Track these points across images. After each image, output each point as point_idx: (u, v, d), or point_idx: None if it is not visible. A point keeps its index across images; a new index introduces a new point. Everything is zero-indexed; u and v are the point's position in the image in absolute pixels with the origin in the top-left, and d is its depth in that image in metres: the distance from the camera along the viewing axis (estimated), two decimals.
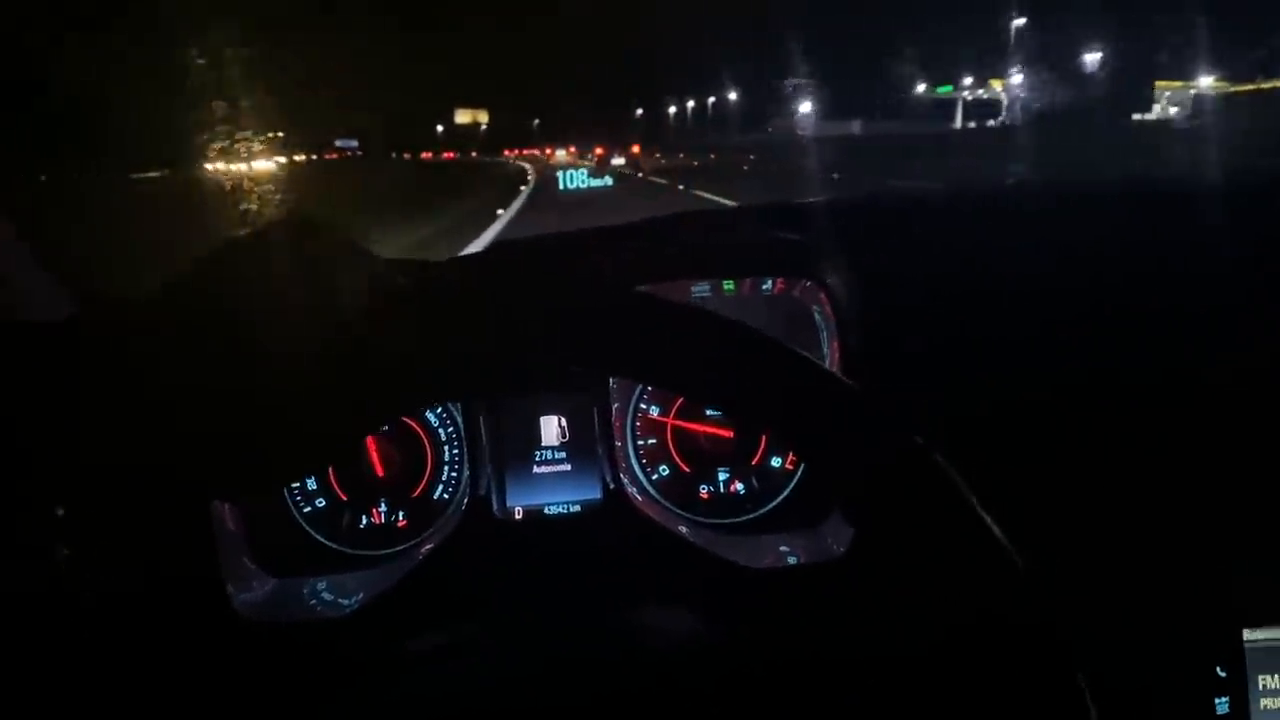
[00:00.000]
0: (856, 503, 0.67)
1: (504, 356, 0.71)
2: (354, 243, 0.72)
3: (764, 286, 1.12)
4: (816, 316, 1.10)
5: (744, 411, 0.70)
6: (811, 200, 1.26)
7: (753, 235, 1.18)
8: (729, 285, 1.12)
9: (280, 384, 0.69)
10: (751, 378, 0.64)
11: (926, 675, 0.68)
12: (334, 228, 0.72)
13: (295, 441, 0.73)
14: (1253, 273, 0.99)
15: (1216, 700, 0.81)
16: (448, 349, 0.69)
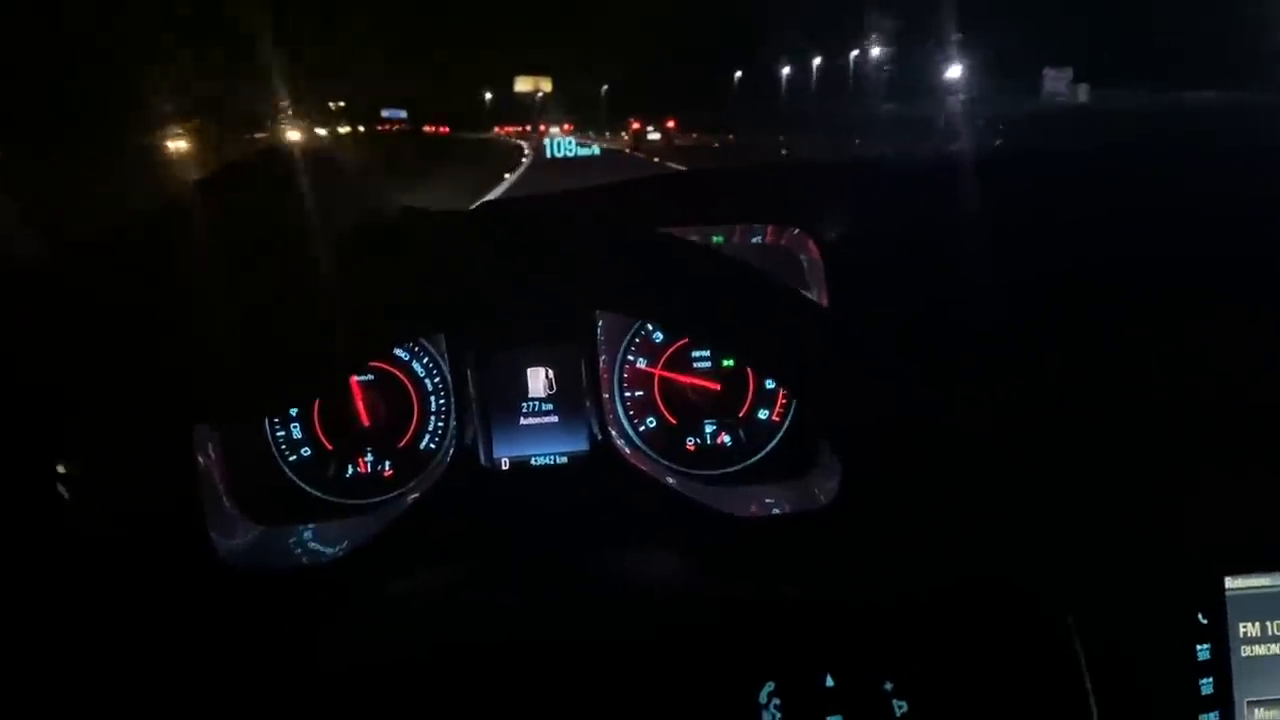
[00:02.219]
0: (853, 447, 0.67)
1: (491, 291, 0.70)
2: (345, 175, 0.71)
3: (754, 238, 1.12)
4: (804, 264, 1.10)
5: (743, 351, 0.70)
6: (799, 159, 1.26)
7: (743, 188, 1.17)
8: (718, 238, 1.12)
9: (270, 313, 0.69)
10: (752, 319, 0.64)
11: (912, 620, 0.69)
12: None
13: (280, 371, 0.72)
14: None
15: (1197, 647, 0.81)
16: (437, 282, 0.69)
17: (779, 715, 0.66)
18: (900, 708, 0.65)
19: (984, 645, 0.63)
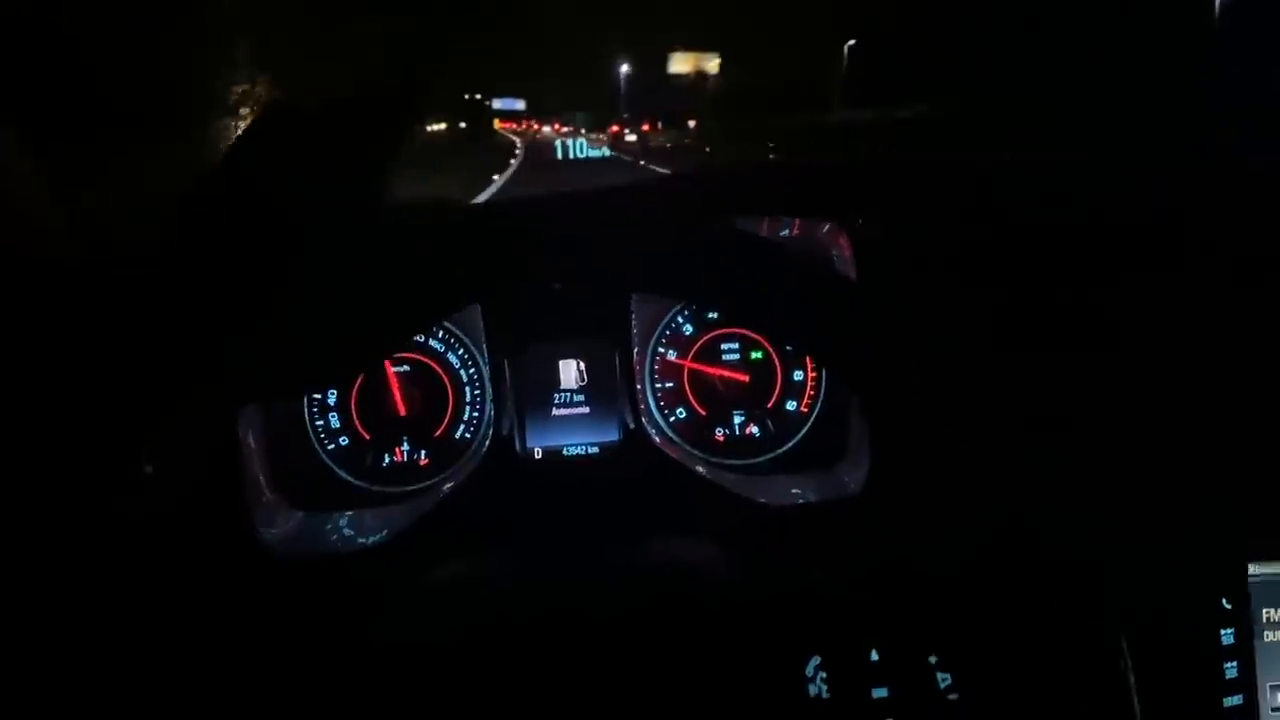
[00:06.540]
0: (886, 424, 0.69)
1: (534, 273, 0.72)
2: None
3: (783, 231, 1.14)
4: (835, 261, 1.11)
5: (785, 332, 0.71)
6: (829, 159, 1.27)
7: (776, 182, 1.18)
8: None
9: (305, 297, 0.71)
10: (791, 296, 0.66)
11: (955, 596, 0.71)
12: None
13: (317, 354, 0.74)
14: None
15: (1222, 632, 0.83)
16: (468, 264, 0.71)
17: (825, 688, 0.68)
18: (944, 680, 0.67)
19: (1026, 621, 0.65)
